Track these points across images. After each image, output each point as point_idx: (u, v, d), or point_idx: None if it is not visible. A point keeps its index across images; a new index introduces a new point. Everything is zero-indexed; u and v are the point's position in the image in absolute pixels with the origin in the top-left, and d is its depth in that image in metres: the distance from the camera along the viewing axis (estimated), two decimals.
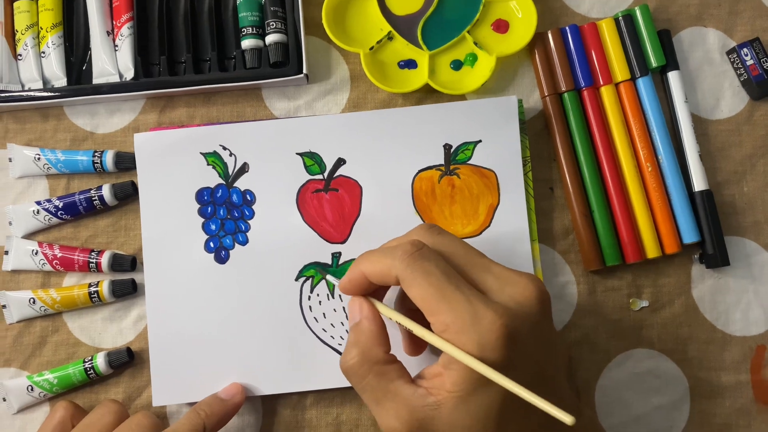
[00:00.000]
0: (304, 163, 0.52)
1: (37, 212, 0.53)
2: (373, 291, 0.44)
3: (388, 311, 0.43)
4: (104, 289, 0.52)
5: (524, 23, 0.53)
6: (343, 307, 0.51)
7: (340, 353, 0.51)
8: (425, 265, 0.39)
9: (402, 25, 0.54)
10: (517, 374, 0.36)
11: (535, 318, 0.39)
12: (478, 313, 0.37)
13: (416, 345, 0.47)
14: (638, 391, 0.52)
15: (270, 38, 0.53)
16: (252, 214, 0.52)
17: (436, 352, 0.48)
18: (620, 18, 0.53)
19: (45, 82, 0.54)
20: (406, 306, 0.46)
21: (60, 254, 0.52)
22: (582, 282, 0.52)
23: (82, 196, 0.52)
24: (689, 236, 0.52)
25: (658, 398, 0.52)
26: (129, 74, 0.53)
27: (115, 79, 0.53)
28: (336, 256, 0.51)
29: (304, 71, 0.53)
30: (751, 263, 0.53)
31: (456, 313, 0.37)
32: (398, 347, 0.47)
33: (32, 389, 0.51)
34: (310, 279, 0.51)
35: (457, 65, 0.54)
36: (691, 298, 0.52)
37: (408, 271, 0.39)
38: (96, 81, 0.54)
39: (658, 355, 0.52)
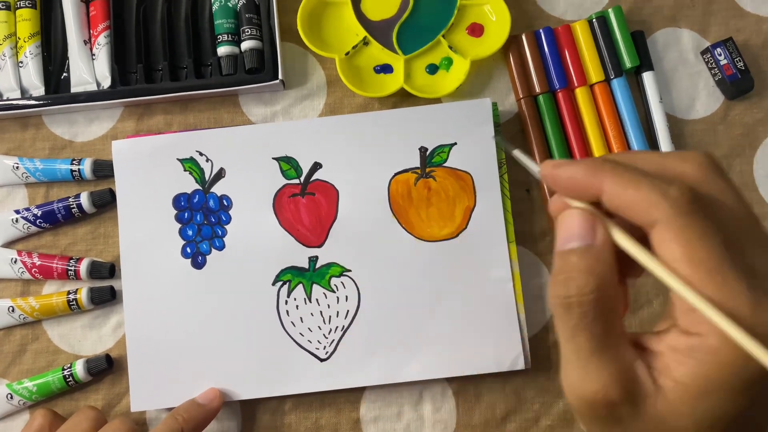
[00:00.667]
0: (281, 168, 0.52)
1: (16, 221, 0.53)
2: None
3: (633, 249, 0.30)
4: (83, 296, 0.52)
5: (498, 27, 0.54)
6: (321, 312, 0.51)
7: (317, 357, 0.51)
8: (705, 224, 0.29)
9: (377, 31, 0.54)
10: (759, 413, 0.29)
11: None
12: (761, 304, 0.27)
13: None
14: None
15: (245, 45, 0.53)
16: (229, 219, 0.52)
17: None
18: (594, 20, 0.54)
19: (23, 91, 0.54)
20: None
21: (39, 262, 0.52)
22: None
23: (60, 205, 0.53)
24: None
25: None
26: (106, 83, 0.54)
27: (93, 87, 0.54)
28: (313, 260, 0.52)
29: (280, 77, 0.53)
30: None
31: (731, 294, 0.28)
32: None
33: (12, 397, 0.51)
34: (287, 283, 0.51)
35: (432, 69, 0.54)
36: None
37: (680, 221, 0.29)
38: (74, 90, 0.54)
39: None
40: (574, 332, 0.30)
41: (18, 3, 0.55)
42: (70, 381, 0.51)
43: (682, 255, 0.28)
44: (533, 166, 0.36)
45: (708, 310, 0.28)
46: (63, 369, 0.51)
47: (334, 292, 0.51)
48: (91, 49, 0.54)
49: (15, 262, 0.52)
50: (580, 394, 0.30)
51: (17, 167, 0.53)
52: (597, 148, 0.52)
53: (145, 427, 0.52)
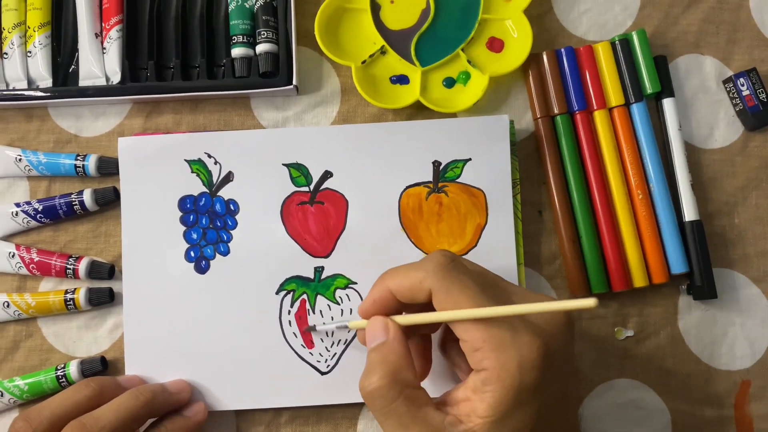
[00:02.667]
0: (291, 175, 0.51)
1: (16, 214, 0.52)
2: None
3: (419, 317, 0.41)
4: (81, 297, 0.50)
5: (519, 43, 0.53)
6: (324, 323, 0.50)
7: (318, 370, 0.50)
8: (461, 278, 0.38)
9: (396, 40, 0.53)
10: (547, 395, 0.36)
11: (564, 340, 0.39)
12: (517, 330, 0.36)
13: (423, 368, 0.45)
14: (620, 422, 0.51)
15: (260, 48, 0.52)
16: (235, 225, 0.51)
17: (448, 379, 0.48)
18: (617, 42, 0.53)
19: (30, 81, 0.53)
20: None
21: (37, 258, 0.51)
22: None
23: (62, 200, 0.51)
24: (677, 267, 0.51)
25: (639, 430, 0.51)
26: (116, 78, 0.52)
27: (102, 82, 0.53)
28: (318, 270, 0.51)
29: (294, 82, 0.52)
30: (738, 297, 0.52)
31: (493, 329, 0.36)
32: None
33: (2, 395, 0.50)
34: (291, 293, 0.50)
35: (449, 83, 0.53)
36: (677, 329, 0.52)
37: (444, 282, 0.38)
38: (82, 83, 0.53)
39: (641, 386, 0.51)
40: (383, 417, 0.38)
41: None
42: (63, 382, 0.50)
43: (452, 303, 0.37)
44: (341, 323, 0.47)
45: (488, 311, 0.36)
46: (56, 369, 0.50)
47: (338, 304, 0.50)
48: (102, 43, 0.53)
49: (13, 256, 0.51)
50: None
51: (20, 159, 0.52)
52: (612, 173, 0.51)
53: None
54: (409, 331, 0.43)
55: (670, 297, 0.52)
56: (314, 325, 0.49)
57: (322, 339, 0.50)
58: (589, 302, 0.34)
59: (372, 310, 0.42)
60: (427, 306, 0.40)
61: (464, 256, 0.51)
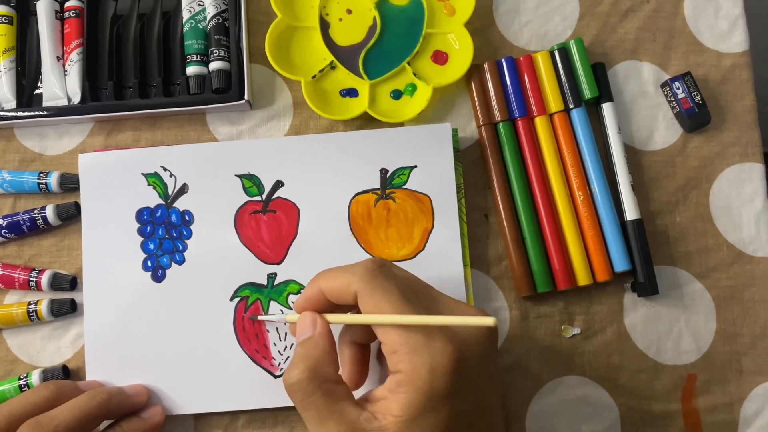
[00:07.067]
0: (243, 185, 0.53)
1: None
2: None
3: (344, 317, 0.43)
4: (43, 308, 0.52)
5: (462, 55, 0.55)
6: (276, 328, 0.52)
7: (272, 374, 0.51)
8: (385, 283, 0.40)
9: (344, 55, 0.56)
10: (461, 402, 0.38)
11: (483, 349, 0.40)
12: (431, 336, 0.38)
13: (360, 375, 0.47)
14: (569, 418, 0.52)
15: (213, 65, 0.55)
16: (190, 234, 0.53)
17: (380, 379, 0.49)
18: (555, 51, 0.55)
19: None
20: (349, 338, 0.46)
21: (1, 272, 0.53)
22: (514, 308, 0.53)
23: (25, 216, 0.53)
24: (620, 264, 0.52)
25: (588, 426, 0.51)
26: (76, 98, 0.55)
27: (64, 102, 0.55)
28: (271, 276, 0.52)
29: (246, 97, 0.54)
30: (682, 293, 0.53)
31: (410, 333, 0.38)
32: None
33: None
34: (245, 299, 0.52)
35: (397, 94, 0.55)
36: (623, 326, 0.53)
37: (368, 286, 0.40)
38: (46, 104, 0.55)
39: (589, 383, 0.52)
40: (302, 409, 0.40)
41: None
42: (25, 390, 0.51)
43: (373, 312, 0.39)
44: (280, 316, 0.50)
45: (400, 319, 0.38)
46: (19, 378, 0.52)
47: (291, 309, 0.52)
48: (63, 65, 0.56)
49: None
50: None
51: None
52: (554, 176, 0.53)
53: None
54: (346, 338, 0.46)
55: (615, 295, 0.53)
56: (257, 315, 0.51)
57: (275, 343, 0.51)
58: (488, 321, 0.37)
59: (304, 306, 0.44)
60: (358, 309, 0.42)
61: (413, 259, 0.52)
